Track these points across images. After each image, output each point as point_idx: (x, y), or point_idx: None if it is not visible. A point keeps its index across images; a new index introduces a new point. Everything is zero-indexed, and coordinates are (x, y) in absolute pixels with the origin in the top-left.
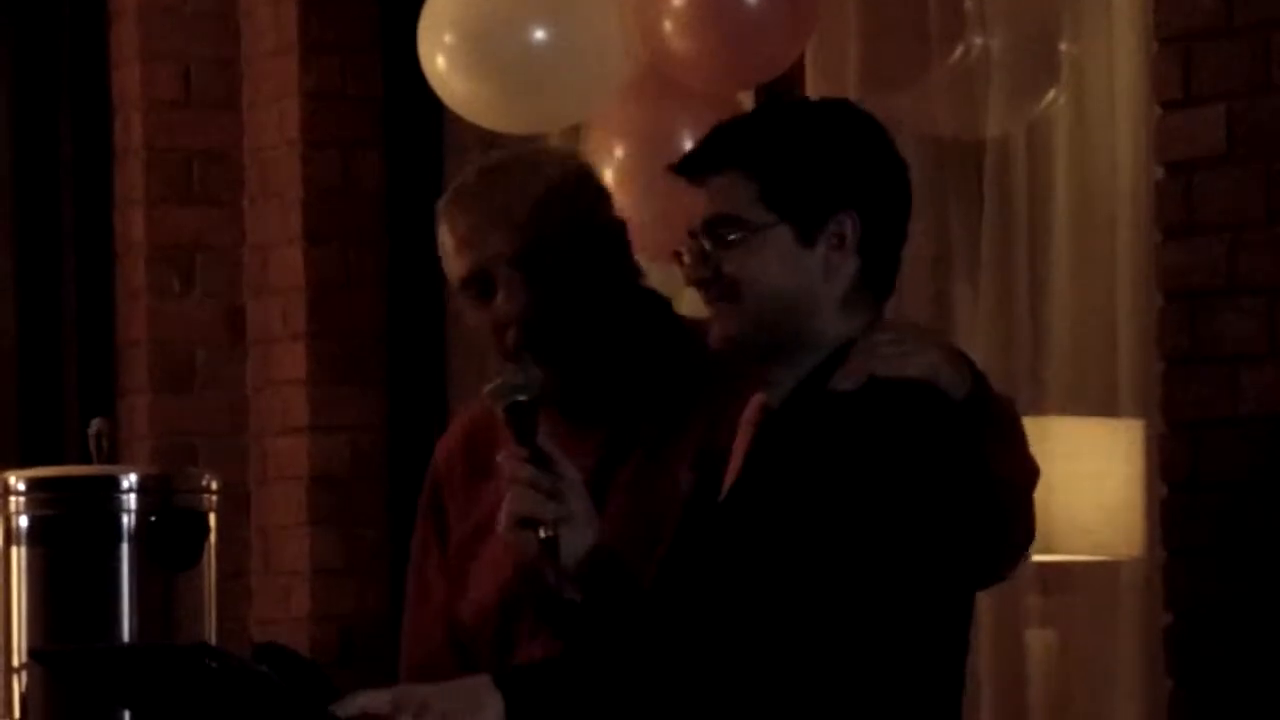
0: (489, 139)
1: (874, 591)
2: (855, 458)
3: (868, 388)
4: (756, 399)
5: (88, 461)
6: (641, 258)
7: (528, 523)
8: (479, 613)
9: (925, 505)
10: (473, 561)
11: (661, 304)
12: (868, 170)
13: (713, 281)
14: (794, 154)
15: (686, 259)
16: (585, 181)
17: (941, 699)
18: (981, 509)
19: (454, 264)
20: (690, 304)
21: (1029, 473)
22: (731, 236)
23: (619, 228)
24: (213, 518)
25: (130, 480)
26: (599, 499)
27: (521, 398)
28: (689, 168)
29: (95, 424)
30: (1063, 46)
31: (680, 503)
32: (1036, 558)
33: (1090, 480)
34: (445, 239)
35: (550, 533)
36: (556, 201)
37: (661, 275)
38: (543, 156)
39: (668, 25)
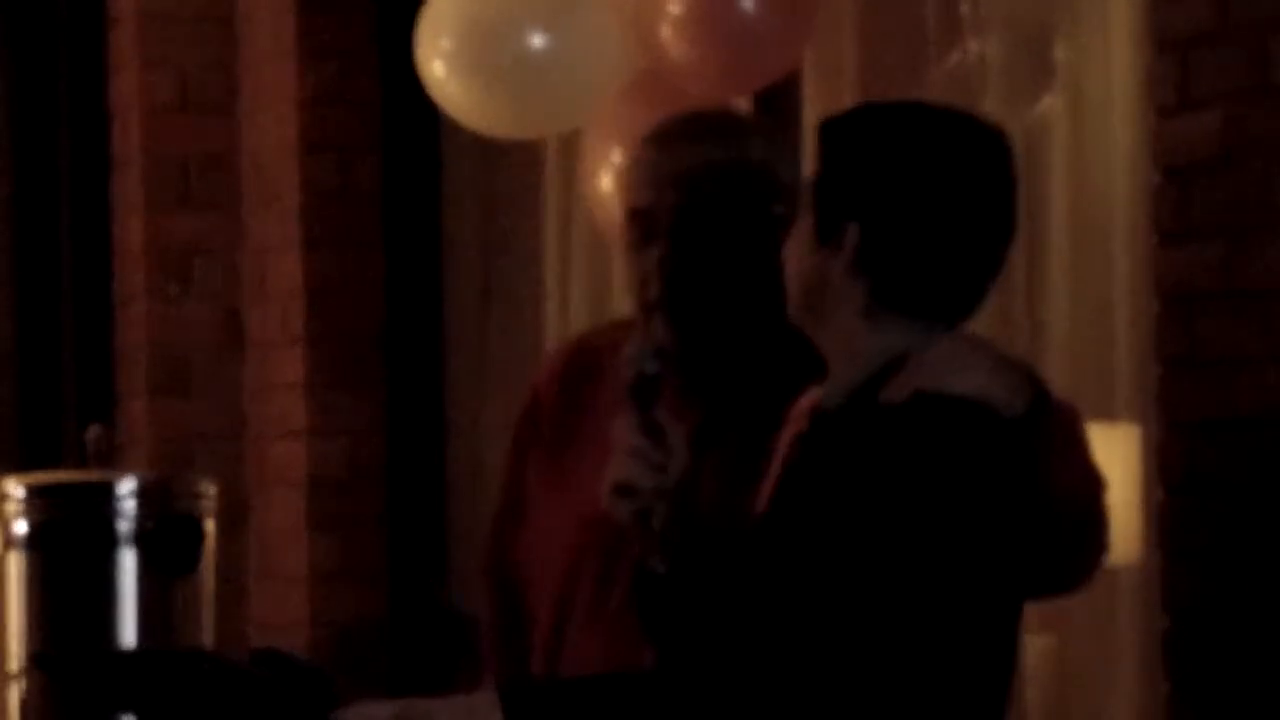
0: (487, 144)
1: (907, 602)
2: (893, 472)
3: (913, 402)
4: (808, 397)
5: (86, 467)
6: None
7: (627, 490)
8: (552, 549)
9: (960, 522)
10: (549, 497)
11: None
12: (887, 186)
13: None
14: (841, 150)
15: None
16: (783, 168)
17: (981, 713)
18: (1032, 525)
19: (630, 196)
20: None
21: (1094, 483)
22: (786, 212)
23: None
24: (211, 522)
25: (128, 485)
26: (697, 466)
27: (651, 369)
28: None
29: (93, 429)
30: (1059, 51)
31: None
32: None
33: None
34: (634, 169)
35: (646, 504)
36: (747, 176)
37: None
38: (759, 126)
39: (665, 30)
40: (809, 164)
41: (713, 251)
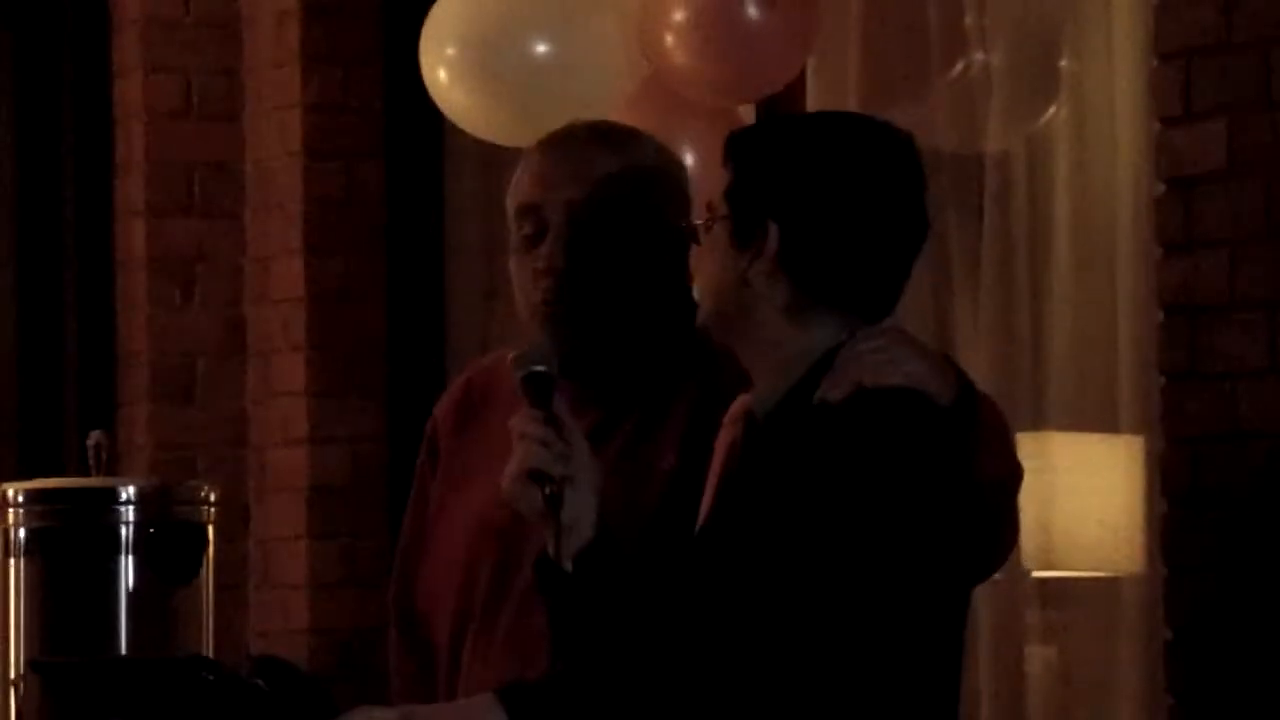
0: (490, 151)
1: (867, 600)
2: (845, 469)
3: (854, 398)
4: (742, 399)
5: (86, 473)
6: None
7: (536, 476)
8: (439, 576)
9: (916, 513)
10: (442, 517)
11: (689, 306)
12: (803, 185)
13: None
14: (754, 157)
15: None
16: (675, 176)
17: (938, 706)
18: (970, 513)
19: (519, 193)
20: None
21: (1015, 474)
22: (702, 222)
23: (683, 234)
24: (211, 529)
25: (129, 492)
26: None
27: (541, 368)
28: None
29: (94, 436)
30: (1063, 62)
31: (660, 485)
32: (1036, 573)
33: (1090, 496)
34: (524, 169)
35: (555, 489)
36: (640, 180)
37: None
38: (650, 138)
39: (670, 39)
40: (725, 172)
41: (603, 254)
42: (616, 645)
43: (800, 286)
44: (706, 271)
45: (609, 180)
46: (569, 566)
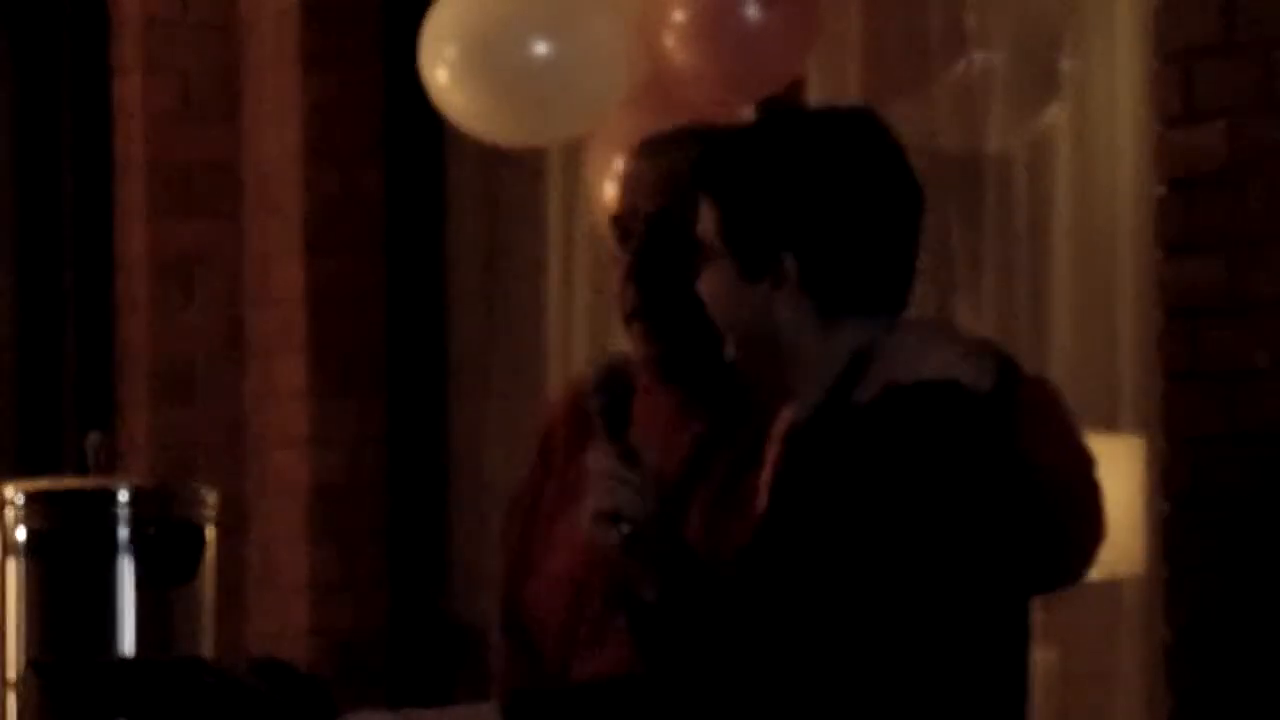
0: (490, 152)
1: (920, 608)
2: (880, 470)
3: (884, 396)
4: (786, 414)
5: (85, 474)
6: None
7: (615, 517)
8: (550, 592)
9: (960, 508)
10: (555, 531)
11: None
12: (811, 210)
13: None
14: (745, 190)
15: None
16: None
17: (1004, 713)
18: (1025, 504)
19: (616, 202)
20: None
21: (1080, 458)
22: (700, 259)
23: None
24: (210, 531)
25: (128, 493)
26: (687, 493)
27: (615, 393)
28: (693, 180)
29: (93, 436)
30: (1064, 62)
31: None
32: None
33: None
34: (623, 173)
35: (634, 529)
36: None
37: None
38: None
39: (669, 39)
40: (708, 208)
41: (683, 256)
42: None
43: (823, 303)
44: (716, 307)
45: (687, 185)
46: (652, 600)
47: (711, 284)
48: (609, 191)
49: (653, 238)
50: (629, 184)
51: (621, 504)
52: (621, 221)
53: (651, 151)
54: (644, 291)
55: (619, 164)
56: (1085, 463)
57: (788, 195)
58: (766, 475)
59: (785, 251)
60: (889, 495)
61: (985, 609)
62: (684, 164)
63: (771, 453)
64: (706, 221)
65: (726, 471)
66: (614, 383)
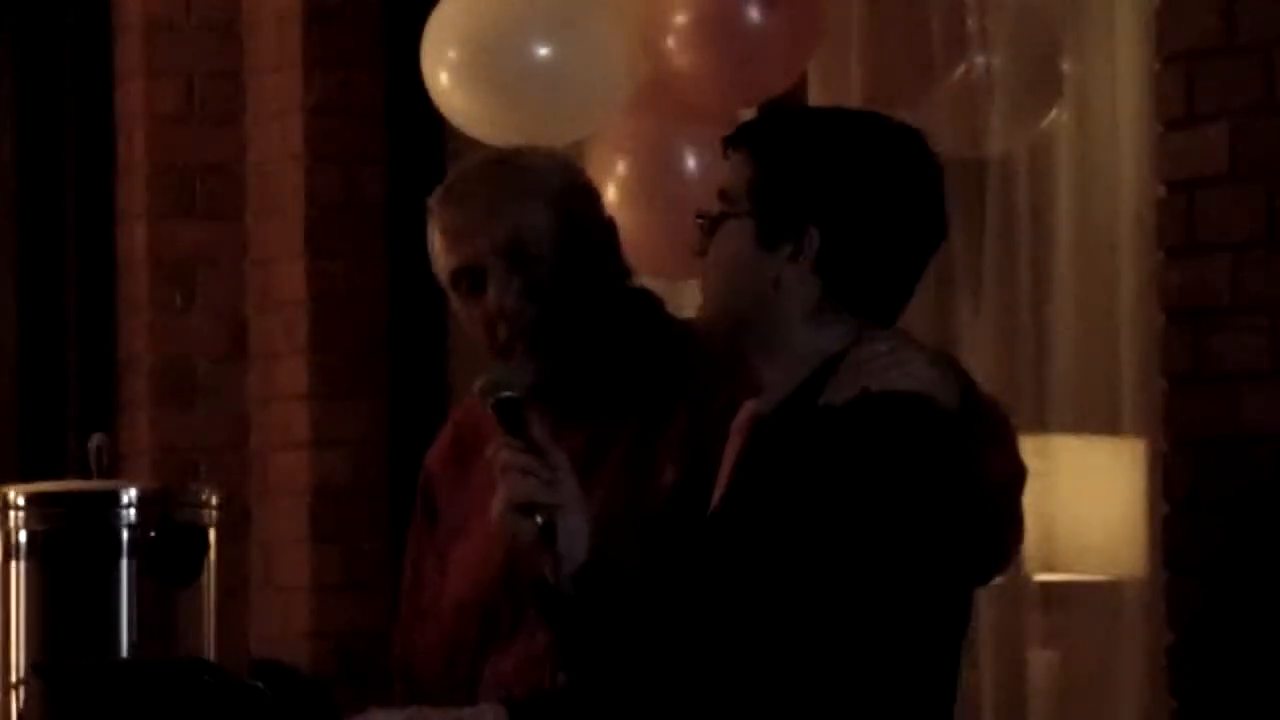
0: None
1: (871, 603)
2: (849, 472)
3: (860, 401)
4: (749, 406)
5: (88, 476)
6: (645, 272)
7: (525, 509)
8: (455, 610)
9: (921, 517)
10: (447, 561)
11: (651, 302)
12: (845, 190)
13: (700, 255)
14: (787, 155)
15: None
16: (572, 179)
17: (936, 706)
18: (973, 516)
19: (444, 259)
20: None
21: (1019, 474)
22: (716, 214)
23: (607, 225)
24: (213, 533)
25: (130, 495)
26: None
27: (509, 394)
28: (731, 137)
29: (95, 439)
30: (1065, 65)
31: (663, 497)
32: (1038, 577)
33: (1092, 499)
34: (435, 236)
35: (547, 518)
36: (545, 197)
37: (664, 290)
38: (530, 155)
39: (671, 42)
40: (742, 162)
41: (546, 276)
42: (620, 658)
43: (829, 289)
44: (722, 267)
45: (522, 210)
46: (568, 589)
47: (724, 245)
48: (616, 193)
49: (519, 268)
50: (459, 235)
51: (531, 493)
52: (469, 272)
53: (459, 197)
54: (519, 322)
55: (621, 167)
56: (1021, 476)
57: (830, 169)
58: (727, 464)
59: (811, 224)
60: (851, 496)
61: (927, 606)
62: (503, 190)
63: (733, 444)
64: (736, 177)
65: (623, 458)
66: (503, 385)
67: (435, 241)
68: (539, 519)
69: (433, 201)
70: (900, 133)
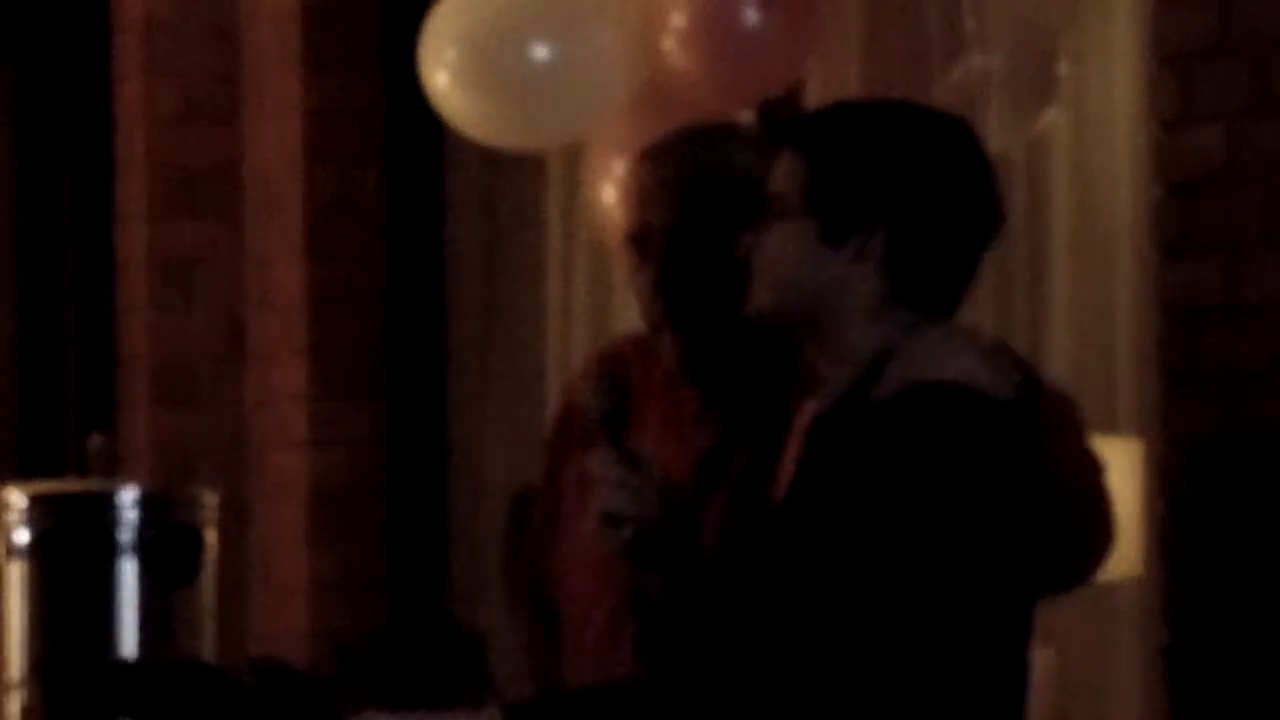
0: (490, 155)
1: (924, 606)
2: (893, 467)
3: (906, 394)
4: (809, 407)
5: (87, 476)
6: None
7: (614, 521)
8: (582, 572)
9: (968, 510)
10: (582, 510)
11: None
12: (910, 187)
13: (750, 254)
14: (844, 155)
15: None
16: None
17: (1003, 712)
18: (1037, 511)
19: (626, 217)
20: None
21: (1090, 467)
22: (770, 214)
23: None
24: (211, 533)
25: (129, 495)
26: (703, 493)
27: (610, 406)
28: (776, 133)
29: (94, 439)
30: (1062, 66)
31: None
32: None
33: None
34: (629, 184)
35: (636, 532)
36: (734, 186)
37: None
38: (742, 139)
39: (669, 43)
40: (794, 163)
41: (706, 265)
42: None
43: (897, 285)
44: (781, 268)
45: (709, 191)
46: (657, 603)
47: (782, 244)
48: (608, 197)
49: (672, 249)
50: (637, 197)
51: (623, 507)
52: (637, 236)
53: (653, 160)
54: (670, 302)
55: (619, 168)
56: (1096, 472)
57: (891, 165)
58: (786, 469)
59: (877, 223)
60: (900, 494)
61: (991, 609)
62: (687, 169)
63: (794, 445)
64: (787, 178)
65: (743, 471)
66: (611, 389)
67: (623, 196)
68: (626, 533)
69: (640, 154)
70: (949, 123)
